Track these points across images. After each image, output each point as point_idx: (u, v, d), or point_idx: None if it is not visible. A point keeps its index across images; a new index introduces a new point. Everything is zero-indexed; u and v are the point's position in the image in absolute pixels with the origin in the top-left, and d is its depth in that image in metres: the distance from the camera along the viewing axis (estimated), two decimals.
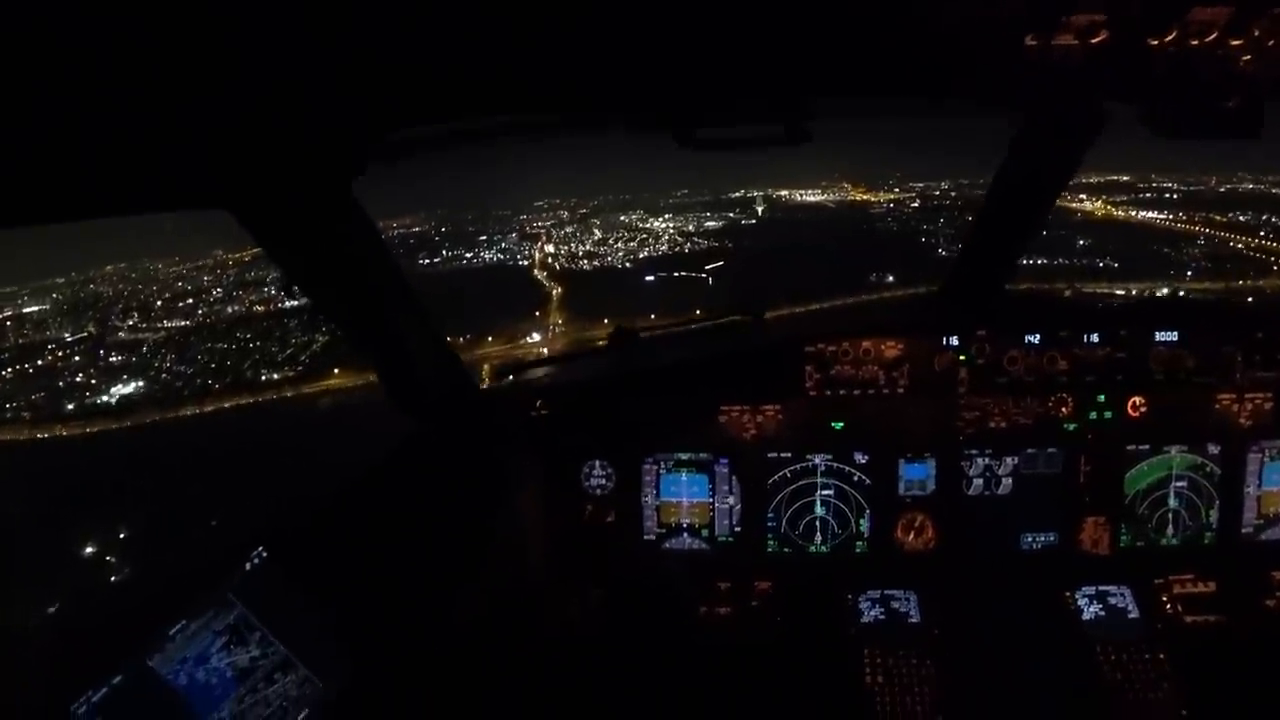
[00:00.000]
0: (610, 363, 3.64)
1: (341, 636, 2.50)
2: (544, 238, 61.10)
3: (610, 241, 59.25)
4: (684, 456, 3.41)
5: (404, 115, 1.95)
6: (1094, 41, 1.52)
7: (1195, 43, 1.54)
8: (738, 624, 3.28)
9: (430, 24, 1.32)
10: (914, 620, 3.17)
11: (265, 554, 2.37)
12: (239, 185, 2.00)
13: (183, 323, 47.37)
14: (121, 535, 23.95)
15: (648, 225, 62.49)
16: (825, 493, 3.37)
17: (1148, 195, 60.45)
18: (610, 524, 3.42)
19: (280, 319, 44.44)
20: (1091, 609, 3.16)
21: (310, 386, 38.47)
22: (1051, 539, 3.33)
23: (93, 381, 39.55)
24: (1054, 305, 3.99)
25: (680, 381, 3.43)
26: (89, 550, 23.60)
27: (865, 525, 3.37)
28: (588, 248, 58.52)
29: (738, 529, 3.41)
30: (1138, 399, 3.27)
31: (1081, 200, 56.65)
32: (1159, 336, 3.23)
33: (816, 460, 3.36)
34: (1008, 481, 3.31)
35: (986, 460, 3.31)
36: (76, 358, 42.33)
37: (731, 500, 3.40)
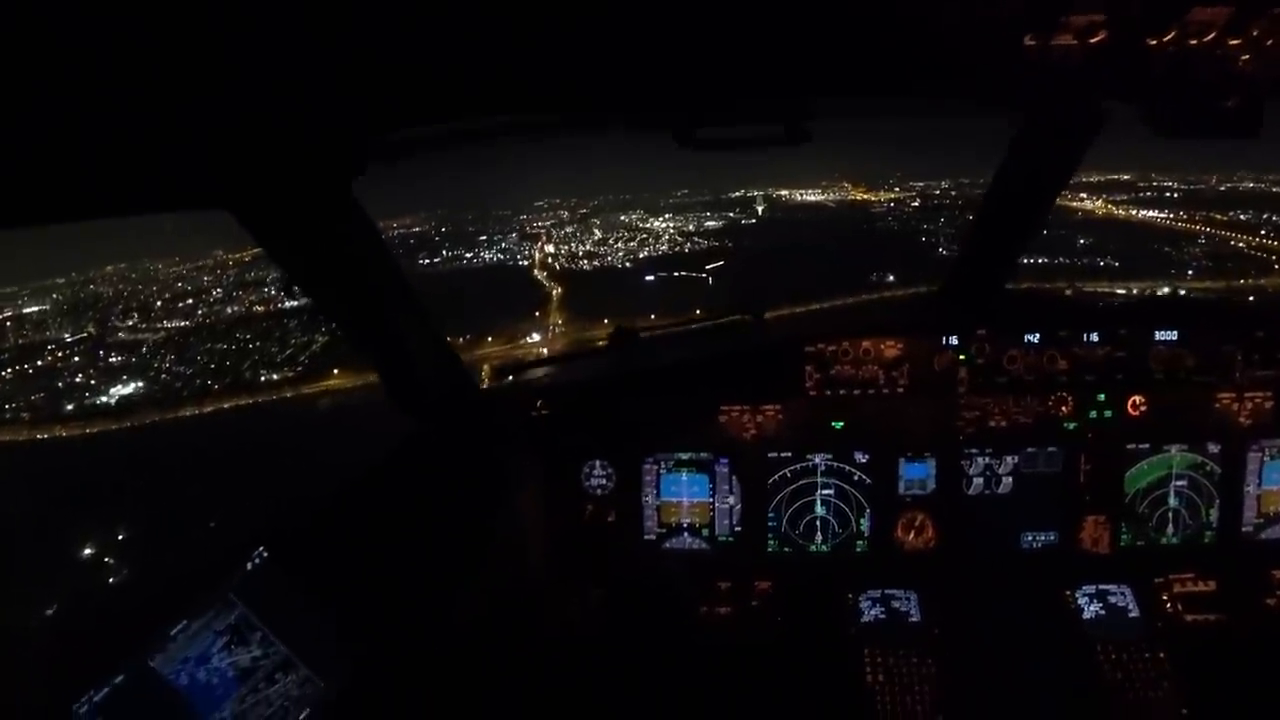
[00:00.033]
0: (610, 363, 3.64)
1: (342, 636, 2.50)
2: (544, 238, 61.10)
3: (610, 241, 59.24)
4: (684, 456, 3.41)
5: (404, 115, 1.95)
6: (1093, 41, 1.52)
7: (1194, 43, 1.54)
8: (738, 624, 3.28)
9: (430, 24, 1.32)
10: (914, 620, 3.17)
11: (266, 554, 2.37)
12: (239, 185, 2.00)
13: (182, 323, 47.35)
14: (120, 537, 23.93)
15: (648, 225, 62.48)
16: (825, 492, 3.37)
17: (1148, 194, 60.42)
18: (610, 524, 3.42)
19: (280, 319, 44.43)
20: (1092, 608, 3.16)
21: (310, 387, 38.44)
22: (1052, 538, 3.33)
23: (92, 382, 39.53)
24: (1054, 304, 3.99)
25: (680, 381, 3.44)
26: (89, 551, 23.59)
27: (865, 525, 3.37)
28: (588, 248, 58.51)
29: (738, 529, 3.41)
30: (1138, 398, 3.27)
31: (1082, 199, 56.64)
32: (1159, 336, 3.23)
33: (817, 460, 3.36)
34: (1008, 481, 3.32)
35: (986, 459, 3.31)
36: (76, 358, 42.32)
37: (732, 500, 3.40)
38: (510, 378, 3.64)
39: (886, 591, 3.26)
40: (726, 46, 1.57)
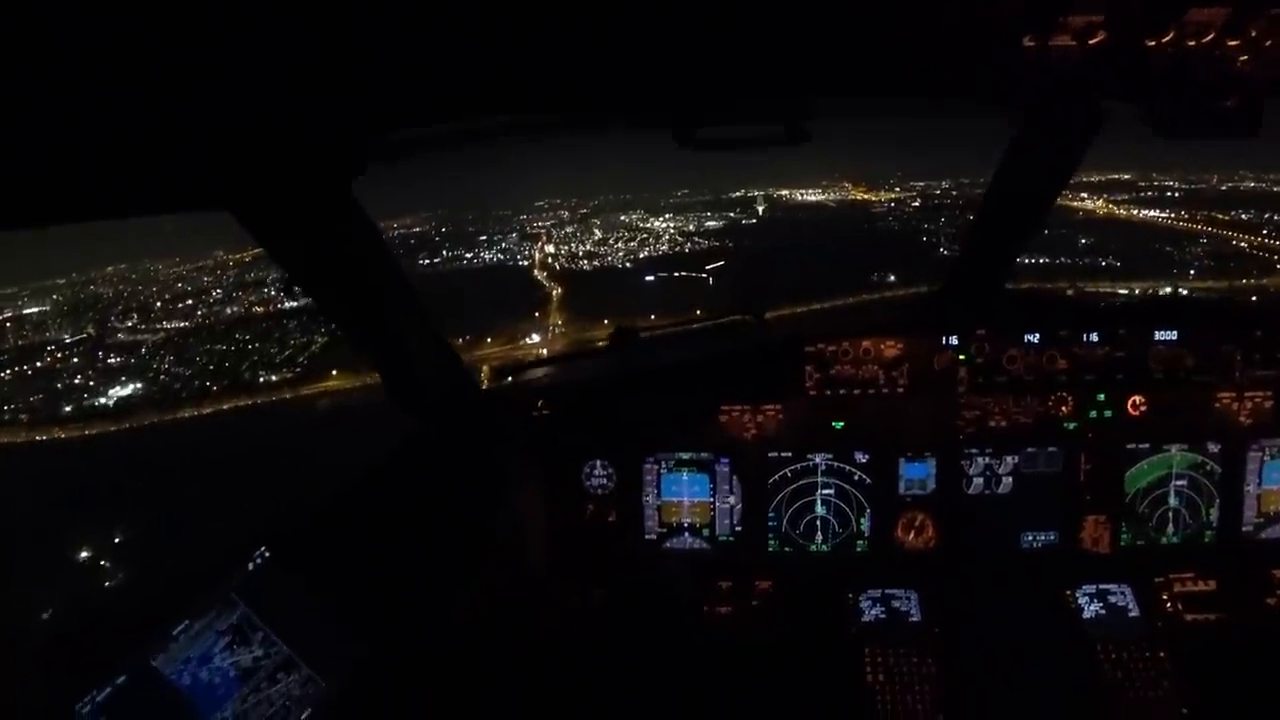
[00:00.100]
0: (611, 363, 3.64)
1: (344, 636, 2.51)
2: (544, 238, 61.07)
3: (610, 241, 59.21)
4: (685, 456, 3.41)
5: (404, 115, 1.95)
6: (1092, 42, 1.53)
7: (1193, 43, 1.54)
8: (739, 623, 3.29)
9: (430, 24, 1.33)
10: (915, 619, 3.17)
11: (267, 554, 2.38)
12: (240, 186, 2.00)
13: (182, 324, 47.33)
14: (118, 539, 23.91)
15: (648, 225, 62.45)
16: (826, 492, 3.37)
17: (1149, 194, 60.38)
18: (611, 524, 3.43)
19: (279, 320, 44.41)
20: (1092, 608, 3.17)
21: (308, 388, 38.43)
22: (1052, 538, 3.34)
23: (91, 383, 39.50)
24: (1053, 304, 3.99)
25: (681, 381, 3.44)
26: (89, 552, 23.59)
27: (866, 524, 3.38)
28: (588, 248, 58.49)
29: (738, 528, 3.41)
30: (1138, 398, 3.27)
31: (1083, 199, 56.60)
32: (1158, 335, 3.23)
33: (817, 460, 3.37)
34: (1008, 480, 3.32)
35: (987, 459, 3.31)
36: (75, 359, 42.30)
37: (732, 500, 3.40)
38: (510, 378, 3.64)
39: (887, 591, 3.26)
40: (726, 46, 1.57)
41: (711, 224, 62.53)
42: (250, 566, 2.33)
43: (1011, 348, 3.26)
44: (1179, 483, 3.29)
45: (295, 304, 42.87)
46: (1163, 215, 54.65)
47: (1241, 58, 1.63)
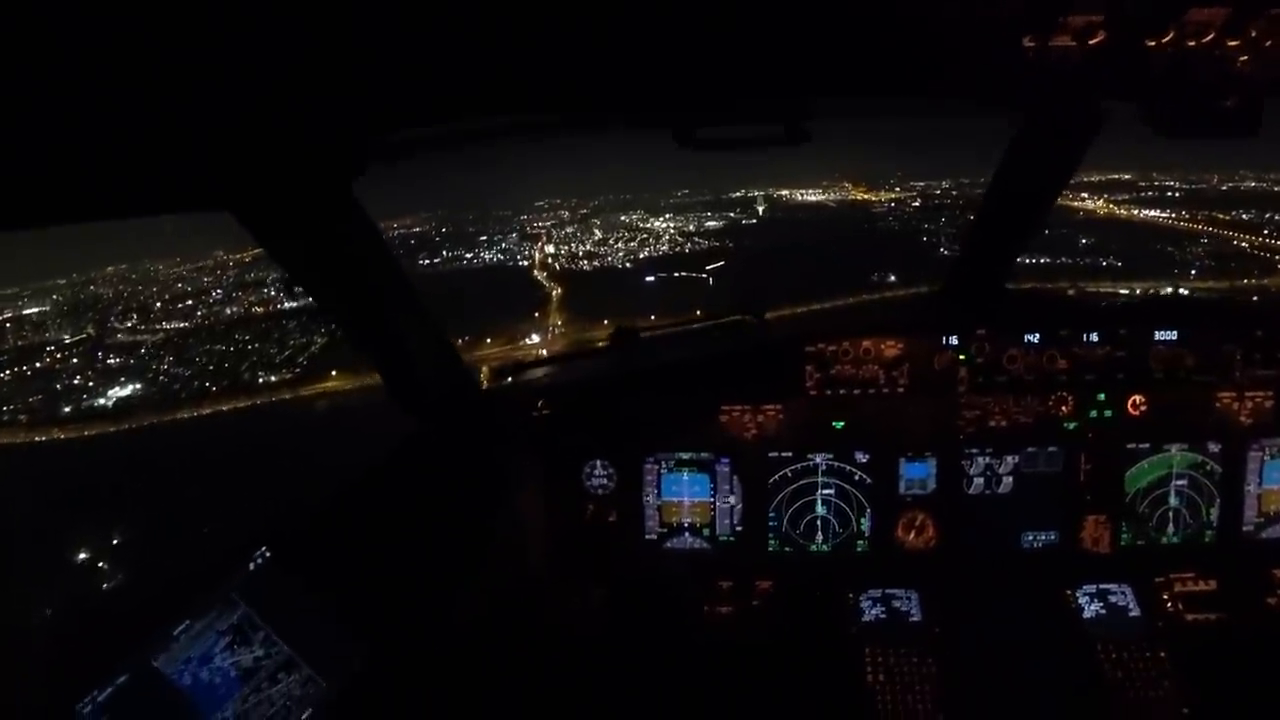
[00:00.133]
0: (611, 363, 3.64)
1: (345, 636, 2.51)
2: (544, 238, 61.09)
3: (611, 241, 59.24)
4: (685, 456, 3.41)
5: (404, 115, 1.95)
6: (1092, 42, 1.53)
7: (1193, 43, 1.54)
8: (739, 623, 3.29)
9: (430, 24, 1.33)
10: (915, 619, 3.17)
11: (268, 554, 2.38)
12: (240, 186, 2.00)
13: (181, 324, 47.34)
14: (117, 541, 23.91)
15: (648, 225, 62.48)
16: (826, 492, 3.37)
17: (1149, 194, 60.39)
18: (612, 524, 3.43)
19: (279, 320, 44.42)
20: (1092, 607, 3.17)
21: (307, 389, 38.42)
22: (1052, 538, 3.34)
23: (90, 384, 39.50)
24: (1053, 304, 3.99)
25: (681, 381, 3.44)
26: (89, 554, 23.59)
27: (866, 524, 3.38)
28: (588, 248, 58.51)
29: (739, 528, 3.41)
30: (1138, 398, 3.27)
31: (1083, 199, 56.62)
32: (1158, 335, 3.23)
33: (817, 459, 3.37)
34: (1008, 480, 3.32)
35: (987, 459, 3.31)
36: (75, 360, 42.30)
37: (733, 500, 3.40)
38: (510, 379, 3.64)
39: (887, 591, 3.26)
40: (726, 46, 1.57)
41: (711, 224, 62.57)
42: (251, 566, 2.33)
43: (1012, 347, 3.26)
44: (1179, 482, 3.29)
45: (295, 304, 42.93)
46: (1163, 215, 54.67)
47: (1241, 58, 1.63)
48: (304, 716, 2.32)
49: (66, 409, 37.38)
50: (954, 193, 64.39)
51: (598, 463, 3.44)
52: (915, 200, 64.42)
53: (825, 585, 3.31)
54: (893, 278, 42.40)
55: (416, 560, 2.80)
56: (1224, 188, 59.46)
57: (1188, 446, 3.28)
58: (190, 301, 50.46)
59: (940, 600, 3.21)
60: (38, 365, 41.72)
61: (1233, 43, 1.55)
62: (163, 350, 43.18)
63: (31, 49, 1.12)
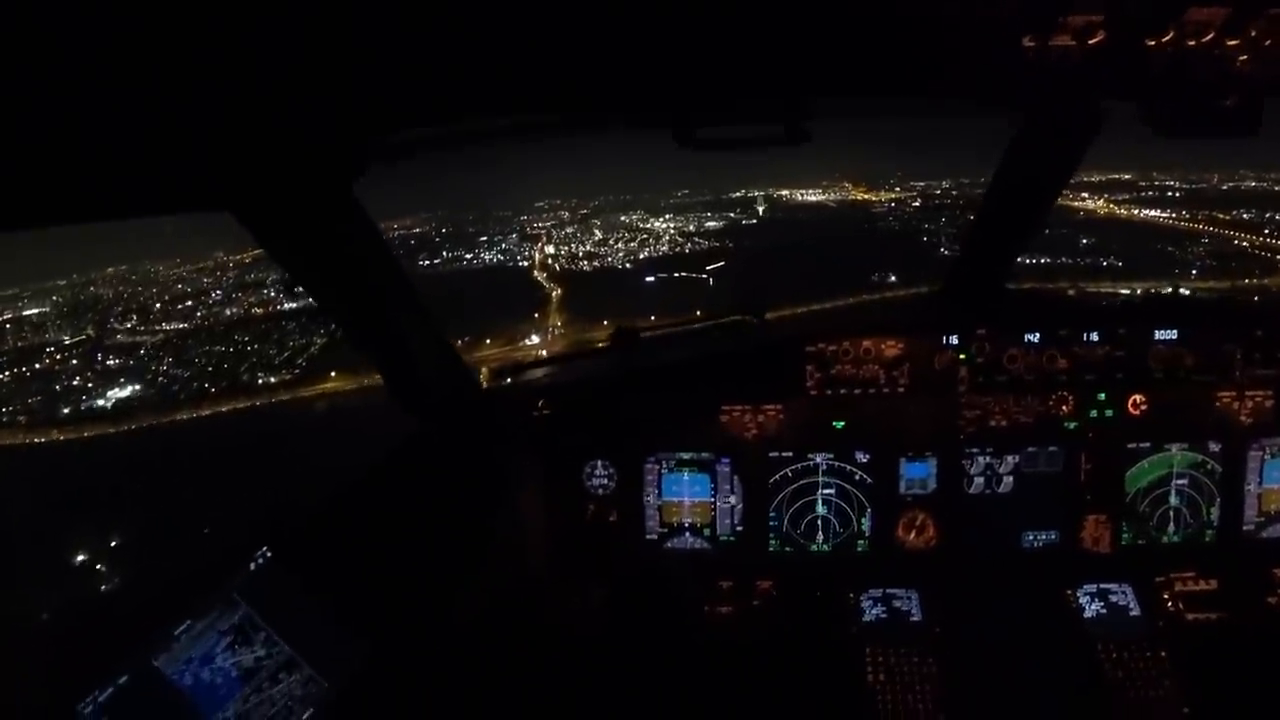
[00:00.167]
0: (611, 363, 3.64)
1: (346, 636, 2.51)
2: (544, 238, 61.04)
3: (611, 242, 59.18)
4: (685, 456, 3.42)
5: (404, 116, 1.96)
6: (1092, 42, 1.53)
7: (1192, 43, 1.54)
8: (740, 623, 3.29)
9: (430, 25, 1.33)
10: (915, 619, 3.17)
11: (269, 554, 2.38)
12: (240, 186, 2.01)
13: (181, 325, 47.28)
14: (115, 543, 23.88)
15: (648, 225, 62.41)
16: (827, 492, 3.38)
17: (1150, 193, 60.32)
18: (612, 524, 3.43)
19: (278, 321, 44.38)
20: (1093, 607, 3.17)
21: (306, 390, 38.38)
22: (1053, 537, 3.34)
23: (89, 385, 39.46)
24: (1053, 304, 3.99)
25: (681, 381, 3.44)
26: (88, 555, 23.57)
27: (867, 524, 3.38)
28: (588, 248, 58.45)
29: (739, 528, 3.41)
30: (1138, 397, 3.27)
31: (1084, 199, 56.54)
32: (1158, 335, 3.23)
33: (818, 459, 3.37)
34: (1009, 480, 3.32)
35: (987, 459, 3.31)
36: (74, 361, 42.26)
37: (733, 500, 3.40)
38: (509, 379, 3.64)
39: (888, 591, 3.26)
40: (726, 46, 1.57)
41: (712, 224, 62.49)
42: (252, 566, 2.33)
43: (1012, 347, 3.26)
44: (1180, 482, 3.29)
45: (295, 305, 42.90)
46: (1164, 215, 54.59)
47: (1241, 57, 1.63)
48: (305, 716, 2.33)
49: (65, 410, 37.33)
50: (954, 193, 64.27)
51: (598, 463, 3.44)
52: (915, 200, 64.30)
53: (826, 585, 3.31)
54: (893, 278, 42.32)
55: (417, 560, 2.81)
56: (1224, 187, 59.37)
57: (1188, 446, 3.28)
58: (190, 302, 50.38)
59: (941, 600, 3.21)
60: (37, 366, 41.68)
61: (1232, 42, 1.56)
62: (162, 351, 43.10)
63: (32, 49, 1.12)
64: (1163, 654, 2.99)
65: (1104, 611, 3.15)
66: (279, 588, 2.37)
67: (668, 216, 65.20)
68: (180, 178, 1.81)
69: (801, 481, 3.38)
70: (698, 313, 4.15)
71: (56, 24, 1.07)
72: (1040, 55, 1.60)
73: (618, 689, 3.10)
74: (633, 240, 58.66)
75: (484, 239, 60.98)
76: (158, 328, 46.90)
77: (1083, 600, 3.19)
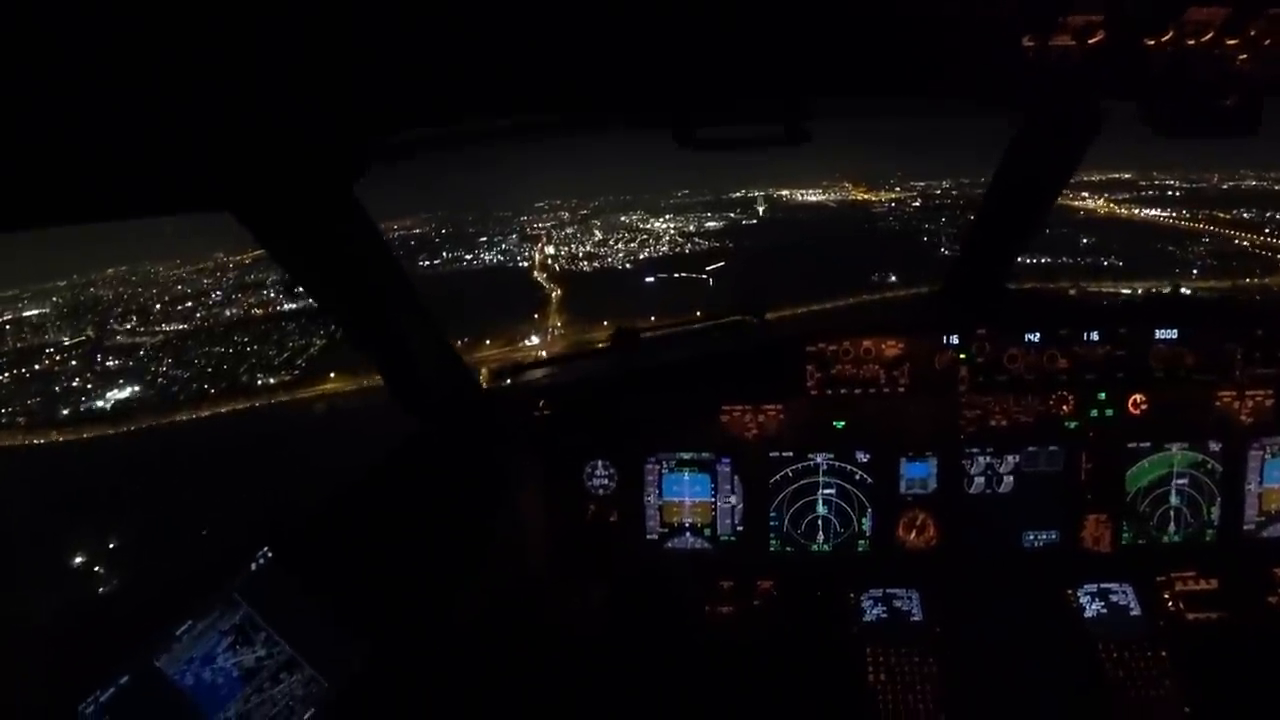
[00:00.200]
0: (611, 363, 3.65)
1: (347, 636, 2.51)
2: (544, 239, 61.03)
3: (611, 242, 59.17)
4: (686, 456, 3.42)
5: (405, 117, 1.96)
6: (1091, 42, 1.53)
7: (1192, 43, 1.55)
8: (740, 623, 3.29)
9: (430, 26, 1.33)
10: (916, 619, 3.18)
11: (270, 554, 2.38)
12: (240, 186, 2.01)
13: (180, 326, 47.25)
14: (113, 545, 23.86)
15: (648, 226, 62.40)
16: (827, 492, 3.38)
17: (1150, 193, 60.30)
18: (613, 524, 3.43)
19: (278, 322, 44.35)
20: (1093, 607, 3.17)
21: (306, 391, 38.35)
22: (1053, 537, 3.34)
23: (89, 386, 39.43)
24: (1054, 303, 3.99)
25: (682, 381, 3.44)
26: (88, 556, 23.56)
27: (867, 524, 3.38)
28: (588, 249, 58.44)
29: (740, 528, 3.41)
30: (1138, 397, 3.27)
31: (1084, 198, 56.53)
32: (1159, 334, 3.23)
33: (818, 459, 3.37)
34: (1009, 480, 3.32)
35: (988, 458, 3.31)
36: (73, 362, 42.24)
37: (734, 500, 3.40)
38: (509, 380, 3.65)
39: (888, 591, 3.26)
40: (726, 46, 1.57)
41: (712, 224, 62.49)
42: (253, 566, 2.33)
43: (1012, 347, 3.26)
44: (1180, 481, 3.29)
45: (294, 306, 42.87)
46: (1164, 214, 54.57)
47: (1240, 57, 1.63)
48: (306, 716, 2.33)
49: (64, 411, 37.31)
50: (954, 193, 64.26)
51: (599, 463, 3.45)
52: (916, 200, 64.26)
53: (826, 585, 3.31)
54: (893, 278, 42.31)
55: (418, 560, 2.81)
56: (1225, 186, 59.36)
57: (1188, 445, 3.28)
58: (190, 303, 50.39)
59: (941, 600, 3.21)
60: (36, 368, 41.67)
61: (1232, 42, 1.56)
62: (161, 352, 43.08)
63: (33, 50, 1.12)
64: (1163, 654, 2.99)
65: (1104, 611, 3.15)
66: (280, 588, 2.37)
67: (668, 217, 65.19)
68: (181, 178, 1.82)
69: (802, 481, 3.38)
70: (698, 313, 4.16)
71: (56, 24, 1.07)
72: (1040, 55, 1.60)
73: (618, 689, 3.10)
74: (633, 241, 58.65)
75: (484, 239, 60.98)
76: (157, 329, 46.87)
77: (1083, 600, 3.19)
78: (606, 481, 3.45)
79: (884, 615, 3.20)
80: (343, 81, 1.55)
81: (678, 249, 56.13)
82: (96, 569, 22.98)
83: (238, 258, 54.36)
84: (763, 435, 3.39)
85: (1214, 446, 3.28)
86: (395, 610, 2.68)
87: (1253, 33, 1.52)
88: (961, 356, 3.28)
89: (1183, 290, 3.77)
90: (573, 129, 2.61)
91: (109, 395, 38.86)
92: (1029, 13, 1.46)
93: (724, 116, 2.00)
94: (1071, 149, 2.88)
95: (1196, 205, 53.82)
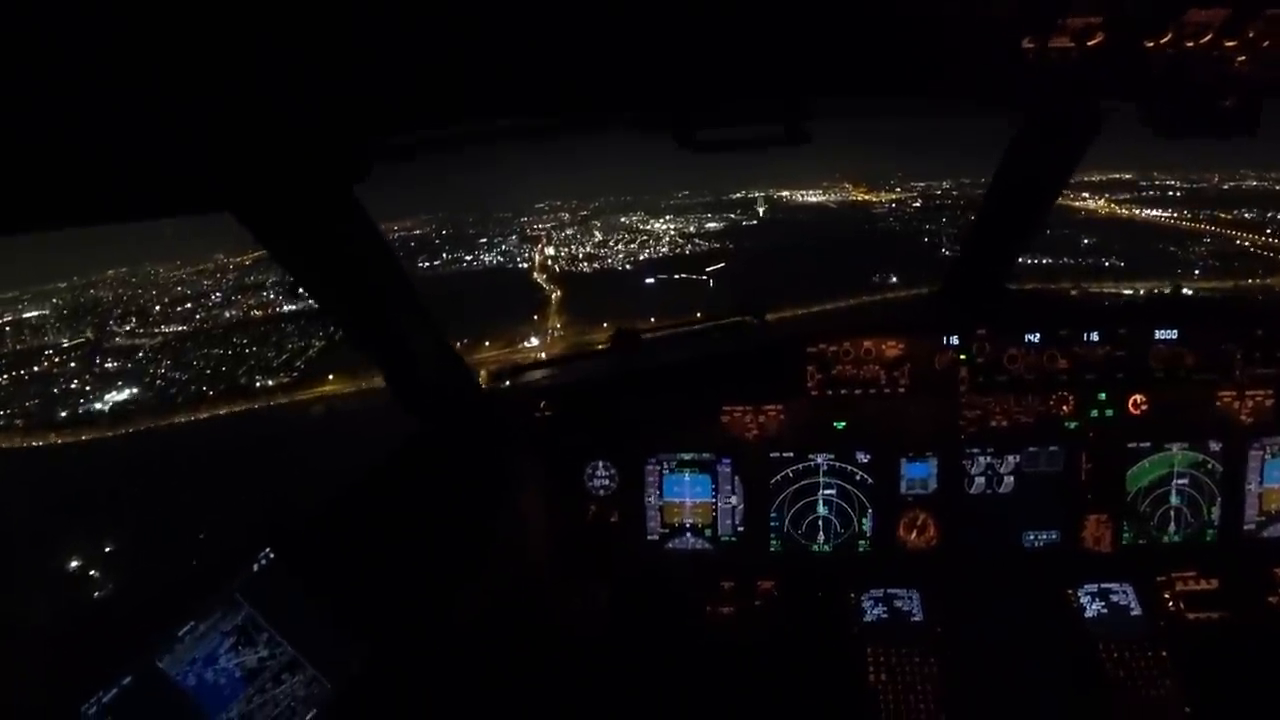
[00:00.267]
0: (612, 364, 3.65)
1: (349, 637, 2.51)
2: (544, 240, 61.08)
3: (610, 243, 59.22)
4: (686, 456, 3.42)
5: (405, 118, 1.96)
6: (1091, 44, 1.53)
7: (1191, 44, 1.55)
8: (741, 623, 3.29)
9: (431, 26, 1.34)
10: (917, 619, 3.18)
11: (272, 555, 2.38)
12: (241, 187, 2.01)
13: (180, 328, 47.25)
14: (112, 547, 23.82)
15: (648, 227, 62.49)
16: (828, 492, 3.38)
17: (1151, 193, 60.33)
18: (613, 524, 3.43)
19: (277, 324, 44.37)
20: (1094, 607, 3.17)
21: (304, 393, 38.35)
22: (1053, 537, 3.34)
23: (87, 388, 39.41)
24: (1054, 304, 4.00)
25: (682, 381, 3.45)
26: (87, 558, 23.55)
27: (868, 524, 3.38)
28: (588, 250, 58.48)
29: (740, 529, 3.42)
30: (1138, 397, 3.27)
31: (1084, 199, 56.57)
32: (1159, 334, 3.23)
33: (819, 460, 3.37)
34: (1009, 480, 3.32)
35: (988, 459, 3.32)
36: (72, 364, 42.24)
37: (734, 500, 3.41)
38: (508, 382, 3.65)
39: (889, 591, 3.26)
40: (726, 47, 1.58)
41: (712, 225, 62.59)
42: (255, 567, 2.34)
43: (1012, 347, 3.27)
44: (1180, 481, 3.29)
45: (294, 307, 42.89)
46: (1165, 215, 54.60)
47: (1239, 58, 1.64)
48: (308, 717, 2.33)
49: (63, 413, 37.31)
50: (954, 193, 64.30)
51: (599, 463, 3.45)
52: (916, 201, 64.33)
53: (827, 585, 3.31)
54: (894, 279, 42.32)
55: (419, 560, 2.81)
56: (1225, 187, 59.43)
57: (1189, 445, 3.28)
58: (189, 305, 50.42)
59: (942, 600, 3.22)
60: (35, 369, 41.68)
61: (1231, 44, 1.56)
62: (160, 354, 43.09)
63: (33, 51, 1.13)
64: (1164, 653, 2.99)
65: (1105, 611, 3.16)
66: (282, 589, 2.37)
67: (668, 218, 65.29)
68: (183, 179, 1.82)
69: (803, 482, 3.38)
70: (698, 314, 4.16)
71: (56, 25, 1.08)
72: (1040, 56, 1.60)
73: (619, 689, 3.10)
74: (633, 242, 58.71)
75: (484, 240, 61.07)
76: (156, 330, 46.89)
77: (1084, 600, 3.19)
78: (607, 482, 3.46)
79: (884, 615, 3.20)
80: (343, 82, 1.56)
81: (678, 250, 56.19)
82: (92, 573, 22.96)
83: (238, 259, 54.42)
84: (763, 436, 3.39)
85: (1214, 446, 3.28)
86: (397, 610, 2.68)
87: (1251, 34, 1.52)
88: (962, 357, 3.29)
89: (1184, 291, 3.77)
90: (573, 130, 2.61)
91: (107, 397, 38.86)
92: (1029, 14, 1.46)
93: (724, 117, 2.00)
94: (1071, 149, 2.88)
95: (1197, 205, 53.87)
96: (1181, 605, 3.17)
